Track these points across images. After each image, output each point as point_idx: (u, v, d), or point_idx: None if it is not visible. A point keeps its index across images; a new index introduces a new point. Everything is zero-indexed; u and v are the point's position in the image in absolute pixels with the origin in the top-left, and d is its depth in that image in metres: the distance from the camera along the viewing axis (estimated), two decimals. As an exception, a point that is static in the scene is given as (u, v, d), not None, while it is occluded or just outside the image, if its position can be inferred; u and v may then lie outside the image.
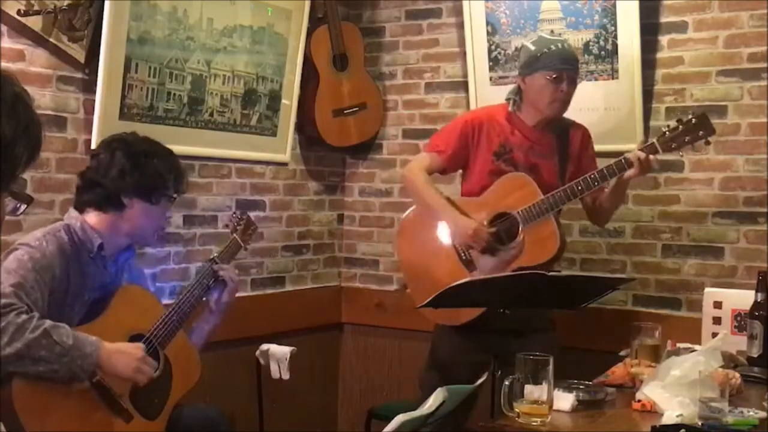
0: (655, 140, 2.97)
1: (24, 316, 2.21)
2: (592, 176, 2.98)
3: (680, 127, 2.95)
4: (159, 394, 2.57)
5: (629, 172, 2.96)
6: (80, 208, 2.57)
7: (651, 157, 2.94)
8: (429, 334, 3.31)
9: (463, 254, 3.11)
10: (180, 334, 2.66)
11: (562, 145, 3.14)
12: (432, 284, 3.12)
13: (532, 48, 3.12)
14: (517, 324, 2.91)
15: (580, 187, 2.98)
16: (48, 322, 2.25)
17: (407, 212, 3.32)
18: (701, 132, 2.94)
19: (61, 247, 2.44)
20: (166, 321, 2.60)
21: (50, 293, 2.37)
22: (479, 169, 3.15)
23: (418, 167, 3.20)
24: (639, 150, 2.95)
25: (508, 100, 3.19)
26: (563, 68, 3.04)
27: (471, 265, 3.10)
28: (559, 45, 3.11)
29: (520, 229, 3.01)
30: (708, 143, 3.00)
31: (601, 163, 3.08)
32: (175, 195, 2.66)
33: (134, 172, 2.53)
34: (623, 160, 2.96)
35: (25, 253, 2.35)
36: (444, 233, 3.14)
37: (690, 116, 2.97)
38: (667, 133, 2.96)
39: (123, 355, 2.37)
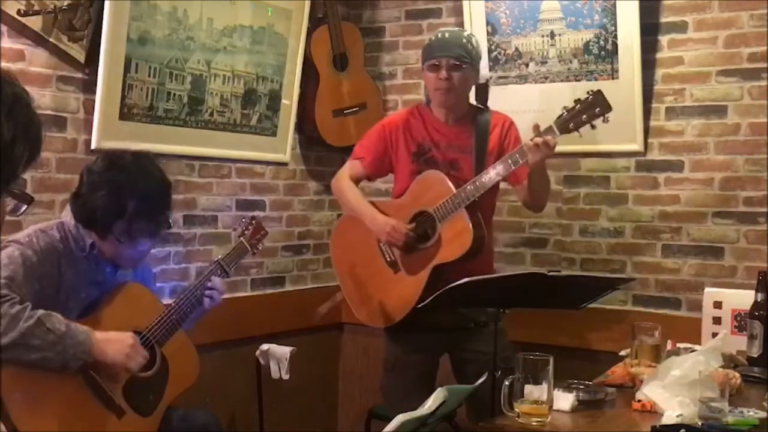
0: (552, 123, 2.94)
1: (18, 306, 2.24)
2: (495, 167, 2.97)
3: (577, 107, 2.92)
4: (154, 392, 2.57)
5: (530, 159, 2.92)
6: None
7: (548, 139, 2.89)
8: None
9: (387, 256, 3.14)
10: (180, 333, 2.66)
11: (481, 138, 3.13)
12: (360, 287, 3.19)
13: (425, 42, 3.16)
14: (465, 319, 2.91)
15: (488, 178, 2.97)
16: (41, 311, 2.27)
17: (338, 219, 3.40)
18: (597, 109, 2.91)
19: (51, 244, 2.45)
20: (164, 319, 2.60)
21: (40, 289, 2.38)
22: (401, 171, 3.19)
23: (342, 175, 3.28)
24: (536, 135, 2.92)
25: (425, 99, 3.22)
26: (440, 55, 3.04)
27: (395, 265, 3.12)
28: (440, 35, 3.11)
29: (437, 225, 3.03)
30: (606, 120, 2.94)
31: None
32: (122, 240, 2.48)
33: (83, 199, 2.47)
34: (523, 147, 2.95)
35: (16, 249, 2.37)
36: (369, 237, 3.16)
37: (586, 95, 2.94)
38: (564, 114, 2.94)
39: (114, 343, 2.39)
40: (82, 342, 2.31)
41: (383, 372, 3.27)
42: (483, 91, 3.23)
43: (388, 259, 3.14)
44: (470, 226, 2.98)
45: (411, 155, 3.15)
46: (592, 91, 2.96)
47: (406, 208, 3.11)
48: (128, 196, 2.44)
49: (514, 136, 3.16)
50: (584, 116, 2.91)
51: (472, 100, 3.24)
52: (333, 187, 3.38)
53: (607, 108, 2.92)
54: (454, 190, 3.00)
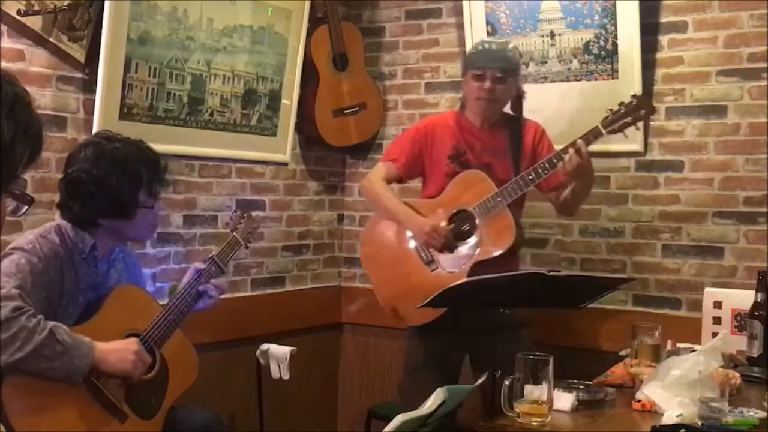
0: (598, 124, 3.00)
1: (34, 320, 2.24)
2: (542, 164, 3.02)
3: (622, 109, 3.00)
4: (155, 394, 2.56)
5: (568, 166, 2.97)
6: None
7: (579, 149, 2.94)
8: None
9: (424, 255, 3.15)
10: (177, 333, 2.64)
11: (515, 143, 3.18)
12: (394, 286, 3.19)
13: (469, 49, 3.22)
14: (489, 322, 2.91)
15: (531, 177, 3.03)
16: (51, 323, 2.27)
17: (367, 224, 3.44)
18: (642, 111, 3.02)
19: (53, 249, 2.43)
20: (162, 320, 2.58)
21: (46, 296, 2.37)
22: (436, 173, 3.21)
23: (375, 177, 3.29)
24: (580, 138, 2.99)
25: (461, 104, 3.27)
26: (486, 66, 3.08)
27: (432, 263, 3.14)
28: (487, 45, 3.16)
29: (477, 223, 3.06)
30: (650, 121, 3.02)
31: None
32: (150, 204, 2.58)
33: (98, 197, 2.47)
34: (560, 153, 3.00)
35: (22, 257, 2.35)
36: (403, 237, 3.19)
37: (631, 98, 3.03)
38: (609, 116, 3.01)
39: (117, 353, 2.39)
40: (85, 354, 2.30)
41: (404, 372, 3.27)
42: (518, 102, 3.26)
43: (424, 258, 3.15)
44: (513, 222, 3.05)
45: (446, 158, 3.17)
46: (635, 94, 3.07)
47: (443, 207, 3.14)
48: (134, 164, 2.52)
49: (547, 143, 3.23)
50: (629, 118, 3.00)
51: (506, 108, 3.27)
52: (364, 188, 3.38)
53: (651, 109, 3.05)
54: (495, 188, 3.05)
